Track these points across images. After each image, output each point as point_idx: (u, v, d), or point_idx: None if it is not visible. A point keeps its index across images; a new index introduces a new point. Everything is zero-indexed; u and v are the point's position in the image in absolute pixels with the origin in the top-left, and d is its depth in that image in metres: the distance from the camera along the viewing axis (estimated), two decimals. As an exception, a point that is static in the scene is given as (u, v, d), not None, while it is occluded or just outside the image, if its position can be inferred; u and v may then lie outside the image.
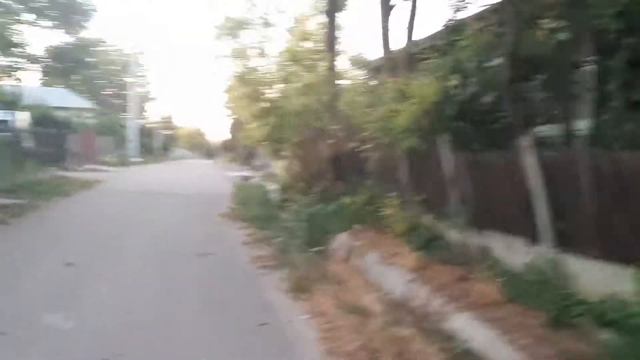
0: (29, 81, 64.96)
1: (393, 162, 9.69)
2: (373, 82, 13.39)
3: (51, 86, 47.10)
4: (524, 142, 5.73)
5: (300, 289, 6.33)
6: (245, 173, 31.54)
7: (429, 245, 7.75)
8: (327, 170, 13.00)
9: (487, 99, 7.34)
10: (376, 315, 5.68)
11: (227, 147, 56.26)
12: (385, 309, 5.84)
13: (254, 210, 12.27)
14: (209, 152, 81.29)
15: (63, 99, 39.61)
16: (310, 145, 13.57)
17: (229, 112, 53.00)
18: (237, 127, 52.02)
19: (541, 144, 6.04)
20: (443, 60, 7.78)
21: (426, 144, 7.90)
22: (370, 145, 10.26)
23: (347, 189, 12.28)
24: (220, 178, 27.01)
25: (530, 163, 5.64)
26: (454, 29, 8.17)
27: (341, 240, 9.74)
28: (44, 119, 24.38)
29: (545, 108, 7.46)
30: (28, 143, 23.12)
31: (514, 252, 6.15)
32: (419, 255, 7.29)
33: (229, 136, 55.29)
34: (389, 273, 7.37)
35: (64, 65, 19.49)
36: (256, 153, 40.12)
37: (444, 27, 8.68)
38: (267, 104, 15.06)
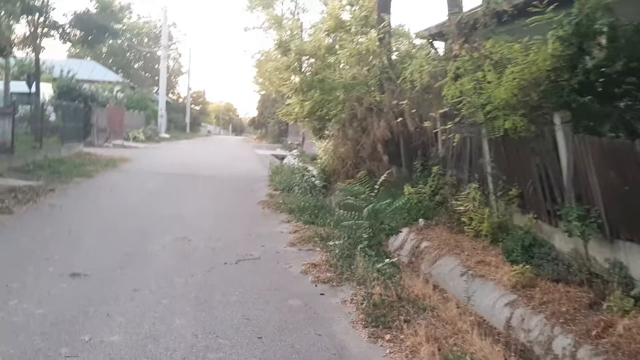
0: (57, 53, 64.47)
1: (472, 145, 7.88)
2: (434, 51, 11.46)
3: (81, 58, 46.24)
4: None
5: (378, 321, 4.64)
6: (278, 152, 30.00)
7: (530, 254, 5.99)
8: (381, 153, 11.21)
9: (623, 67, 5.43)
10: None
11: (257, 124, 54.74)
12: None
13: (297, 199, 10.60)
14: (238, 128, 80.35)
15: (91, 71, 38.49)
16: (360, 123, 11.76)
17: (258, 88, 51.95)
18: (265, 103, 50.75)
19: None
20: (561, 17, 5.85)
21: (533, 124, 6.05)
22: (443, 125, 8.46)
23: (405, 176, 10.51)
24: (252, 157, 25.48)
25: None
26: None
27: (402, 239, 8.02)
28: (69, 92, 23.08)
29: None
30: (52, 117, 21.95)
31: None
32: (518, 267, 5.55)
33: (257, 112, 53.84)
34: (480, 290, 5.64)
35: (86, 33, 17.95)
36: (288, 130, 38.55)
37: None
38: (309, 76, 13.26)
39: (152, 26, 53.07)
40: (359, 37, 13.08)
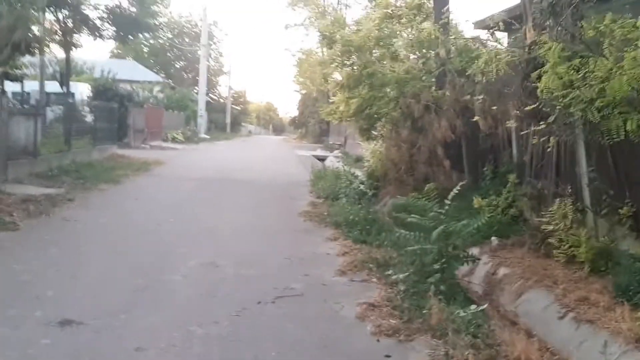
0: (99, 54, 65.24)
1: (563, 149, 6.33)
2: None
3: (122, 58, 46.24)
4: None
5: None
6: (319, 152, 28.66)
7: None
8: (441, 157, 9.68)
9: None
10: None
11: (297, 124, 53.68)
12: None
13: (344, 210, 9.20)
14: (278, 128, 79.63)
15: (132, 71, 38.20)
16: (416, 122, 10.25)
17: (299, 87, 50.88)
18: (306, 102, 49.57)
19: None
20: None
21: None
22: (521, 124, 6.93)
23: (468, 184, 8.96)
24: (292, 158, 24.23)
25: None
26: None
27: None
28: (105, 92, 22.44)
29: None
30: (86, 118, 21.31)
31: None
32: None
33: (297, 112, 52.77)
34: (590, 343, 4.19)
35: (118, 28, 17.06)
36: (330, 130, 37.20)
37: None
38: (357, 71, 11.80)
39: (193, 25, 52.67)
40: (414, 24, 11.55)
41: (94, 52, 79.78)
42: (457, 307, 4.68)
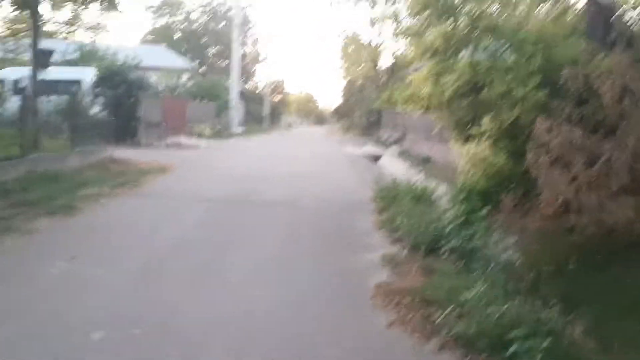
0: (129, 40, 62.09)
1: None
2: None
3: (155, 44, 42.43)
4: None
5: None
6: (370, 149, 23.74)
7: None
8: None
9: None
10: None
11: (340, 114, 48.64)
12: None
13: (450, 277, 4.46)
14: (319, 119, 74.76)
15: (159, 58, 34.22)
16: (597, 116, 5.33)
17: (343, 72, 45.75)
18: (351, 90, 44.47)
19: None
20: None
21: None
22: None
23: None
24: (339, 159, 19.41)
25: None
26: None
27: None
28: (110, 78, 18.25)
29: None
30: (90, 110, 17.19)
31: None
32: None
33: (342, 101, 47.72)
34: None
35: None
36: (381, 122, 32.16)
37: None
38: (462, 27, 6.95)
39: (228, 8, 48.27)
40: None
41: (124, 38, 76.76)
42: None
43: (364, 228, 7.64)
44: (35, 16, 12.21)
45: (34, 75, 13.65)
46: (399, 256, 6.09)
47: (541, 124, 5.25)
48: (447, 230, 6.21)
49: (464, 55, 7.09)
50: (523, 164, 7.88)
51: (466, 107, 7.70)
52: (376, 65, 39.91)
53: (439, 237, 6.22)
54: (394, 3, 34.08)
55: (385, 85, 35.55)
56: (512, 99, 6.33)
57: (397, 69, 34.50)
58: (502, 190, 8.04)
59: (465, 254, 5.70)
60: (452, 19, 6.95)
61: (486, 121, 7.78)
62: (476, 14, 6.59)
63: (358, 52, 41.61)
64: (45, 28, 37.18)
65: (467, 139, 8.57)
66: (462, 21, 6.89)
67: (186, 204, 8.74)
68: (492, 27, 6.53)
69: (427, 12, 7.05)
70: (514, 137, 7.50)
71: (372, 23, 37.73)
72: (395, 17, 9.78)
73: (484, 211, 6.28)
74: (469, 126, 8.24)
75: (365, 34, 52.98)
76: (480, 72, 6.71)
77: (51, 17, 35.45)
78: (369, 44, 39.99)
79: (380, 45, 38.81)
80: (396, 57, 36.27)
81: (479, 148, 8.32)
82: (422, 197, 8.75)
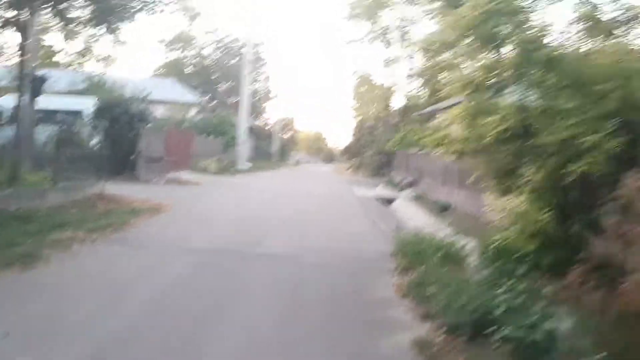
0: (142, 73, 62.01)
1: None
2: None
3: (165, 77, 41.88)
4: None
5: None
6: (384, 191, 22.44)
7: None
8: None
9: None
10: None
11: (351, 153, 47.57)
12: None
13: None
14: (328, 157, 73.93)
15: (168, 92, 33.54)
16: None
17: (355, 112, 45.00)
18: (362, 130, 43.51)
19: None
20: None
21: None
22: None
23: None
24: (350, 201, 18.10)
25: None
26: None
27: None
28: (109, 109, 17.26)
29: None
30: (88, 142, 16.15)
31: None
32: None
33: (352, 139, 46.76)
34: None
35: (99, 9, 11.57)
36: (393, 163, 30.97)
37: None
38: (524, 50, 5.70)
39: (240, 45, 48.08)
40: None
41: (137, 71, 76.88)
42: None
43: (385, 296, 6.26)
44: (25, 40, 11.20)
45: (25, 104, 12.65)
46: (434, 341, 4.70)
47: (635, 181, 3.92)
48: (498, 310, 4.81)
49: (510, 92, 5.86)
50: (571, 223, 6.64)
51: (511, 154, 6.43)
52: (388, 106, 39.20)
53: (485, 316, 4.84)
54: (409, 45, 33.39)
55: (398, 125, 34.61)
56: (576, 147, 5.04)
57: (410, 110, 33.67)
58: (543, 254, 6.84)
59: (525, 348, 4.30)
60: (498, 48, 5.73)
61: (531, 171, 6.52)
62: (530, 43, 5.37)
63: (370, 92, 41.05)
64: (56, 58, 37.08)
65: (507, 189, 7.30)
66: (511, 51, 5.67)
67: (172, 257, 7.40)
68: (551, 59, 5.31)
69: (468, 40, 5.83)
70: (563, 191, 6.23)
71: (387, 64, 37.24)
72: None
73: (548, 288, 4.91)
74: (511, 175, 6.97)
75: (379, 74, 52.72)
76: (533, 114, 5.45)
77: (63, 47, 35.28)
78: (382, 85, 39.47)
79: (393, 86, 38.23)
80: (409, 98, 35.50)
81: (518, 201, 7.07)
82: (452, 256, 7.39)
